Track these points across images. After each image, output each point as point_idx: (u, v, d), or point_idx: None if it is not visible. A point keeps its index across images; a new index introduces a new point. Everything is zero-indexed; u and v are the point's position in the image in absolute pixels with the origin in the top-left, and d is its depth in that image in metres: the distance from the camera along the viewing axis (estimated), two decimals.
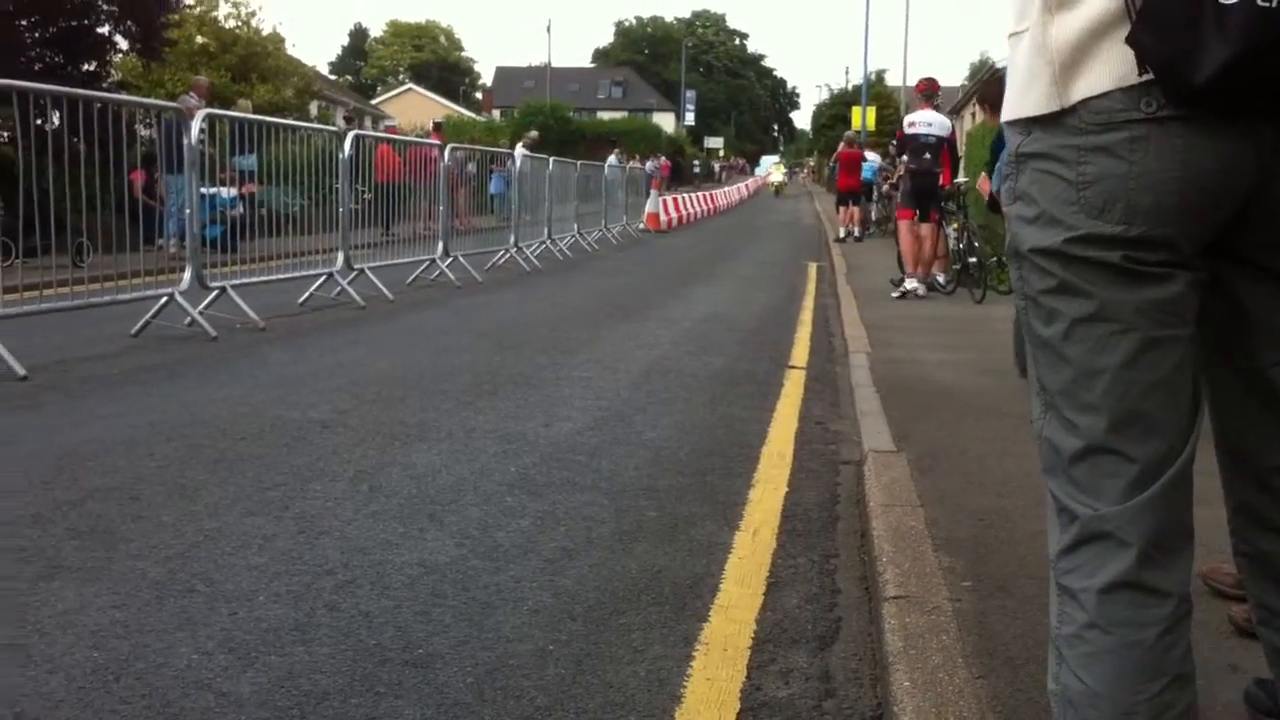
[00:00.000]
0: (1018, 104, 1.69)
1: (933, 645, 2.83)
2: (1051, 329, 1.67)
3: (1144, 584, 1.62)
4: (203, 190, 9.53)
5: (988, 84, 10.04)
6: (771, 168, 51.17)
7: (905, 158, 12.33)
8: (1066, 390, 1.67)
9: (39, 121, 8.07)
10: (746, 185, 55.96)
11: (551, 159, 18.63)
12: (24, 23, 17.71)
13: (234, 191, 10.74)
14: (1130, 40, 1.52)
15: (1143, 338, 1.61)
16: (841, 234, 22.31)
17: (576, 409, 5.93)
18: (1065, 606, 1.70)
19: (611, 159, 27.32)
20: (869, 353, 7.82)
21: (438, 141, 16.42)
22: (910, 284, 11.70)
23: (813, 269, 16.54)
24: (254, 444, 4.94)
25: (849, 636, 3.10)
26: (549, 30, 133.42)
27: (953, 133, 12.47)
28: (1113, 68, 1.55)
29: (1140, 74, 1.53)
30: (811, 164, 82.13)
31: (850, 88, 68.83)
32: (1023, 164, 1.68)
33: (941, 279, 12.21)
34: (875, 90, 48.92)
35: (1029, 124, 1.66)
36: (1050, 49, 1.60)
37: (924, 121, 12.05)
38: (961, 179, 12.40)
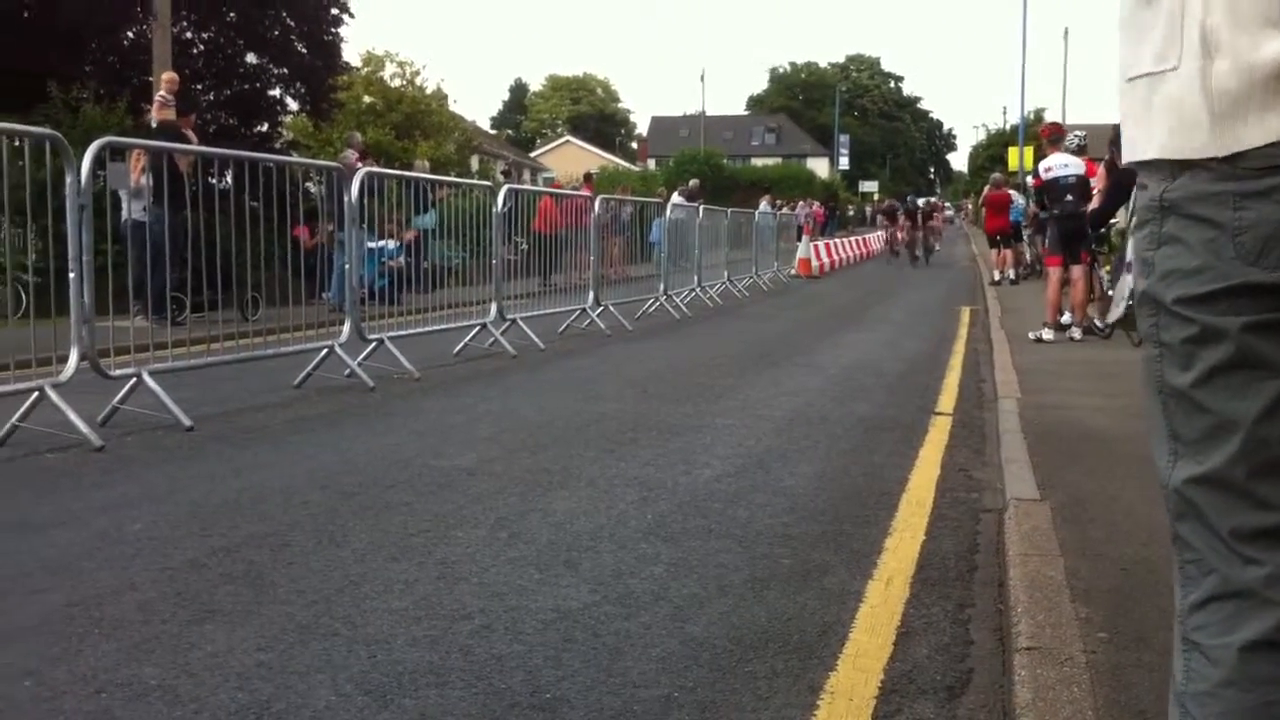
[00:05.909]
0: (1163, 146, 1.61)
1: (1063, 697, 2.78)
2: (1188, 376, 1.60)
3: None
4: (370, 244, 9.94)
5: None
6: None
7: (1048, 203, 12.12)
8: (1202, 438, 1.60)
9: (211, 180, 8.54)
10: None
11: (701, 207, 18.80)
12: (199, 86, 18.78)
13: (396, 241, 11.18)
14: None
15: None
16: (996, 277, 21.91)
17: (717, 456, 5.96)
18: (1194, 662, 1.64)
19: (763, 205, 27.40)
20: (1019, 398, 7.68)
21: (588, 193, 16.76)
22: (1047, 333, 11.44)
23: (965, 313, 16.28)
24: (402, 492, 5.11)
25: (979, 688, 3.06)
26: (703, 79, 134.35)
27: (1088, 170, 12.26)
28: None
29: None
30: (969, 206, 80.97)
31: (1008, 128, 67.75)
32: (1168, 210, 1.61)
33: (1099, 322, 11.90)
34: (1034, 130, 47.91)
35: (1176, 168, 1.59)
36: (1211, 94, 1.52)
37: (1059, 164, 11.85)
38: (1117, 220, 12.11)
